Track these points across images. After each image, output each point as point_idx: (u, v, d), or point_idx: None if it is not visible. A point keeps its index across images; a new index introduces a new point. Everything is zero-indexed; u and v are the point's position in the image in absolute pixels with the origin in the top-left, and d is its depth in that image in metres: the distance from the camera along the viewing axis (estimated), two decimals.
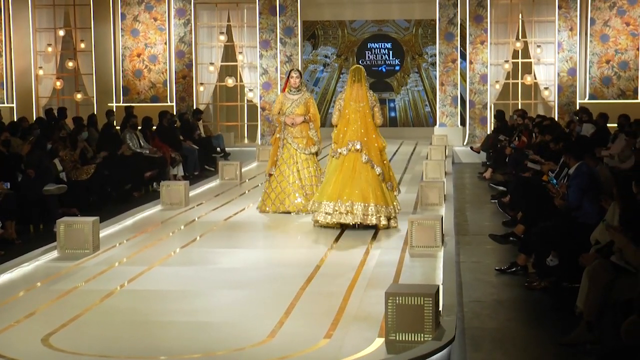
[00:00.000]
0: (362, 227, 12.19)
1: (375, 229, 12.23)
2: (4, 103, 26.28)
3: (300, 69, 26.02)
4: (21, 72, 26.68)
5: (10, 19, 26.57)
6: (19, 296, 9.10)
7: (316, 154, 14.10)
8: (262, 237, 12.42)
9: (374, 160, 12.33)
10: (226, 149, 23.85)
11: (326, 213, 12.24)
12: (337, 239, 11.85)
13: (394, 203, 12.49)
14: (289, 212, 13.60)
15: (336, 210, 12.14)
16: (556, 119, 24.24)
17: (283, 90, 14.18)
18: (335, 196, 12.18)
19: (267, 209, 13.81)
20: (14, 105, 26.52)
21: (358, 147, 12.31)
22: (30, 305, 8.65)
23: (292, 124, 13.79)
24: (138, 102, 25.57)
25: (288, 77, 14.06)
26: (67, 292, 9.18)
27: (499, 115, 22.97)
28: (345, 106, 12.57)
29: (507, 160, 18.95)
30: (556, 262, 9.75)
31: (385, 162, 12.64)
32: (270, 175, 13.94)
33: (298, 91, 13.93)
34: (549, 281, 9.84)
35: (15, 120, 22.11)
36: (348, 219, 12.12)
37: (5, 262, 10.53)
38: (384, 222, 12.16)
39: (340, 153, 12.40)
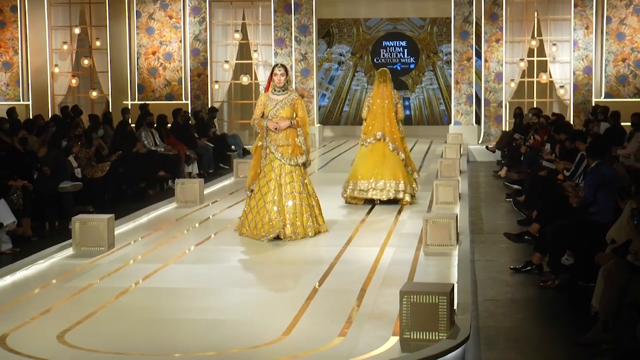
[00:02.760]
0: (390, 202, 14.28)
1: (400, 205, 14.27)
2: (19, 101, 26.35)
3: (315, 66, 26.02)
4: (37, 70, 26.76)
5: (26, 17, 26.65)
6: (34, 293, 9.13)
7: (304, 165, 11.95)
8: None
9: (398, 147, 14.48)
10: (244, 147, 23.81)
11: (360, 190, 14.36)
12: (351, 237, 11.86)
13: (413, 184, 14.64)
14: (262, 238, 11.51)
15: (370, 188, 14.28)
16: (571, 117, 24.21)
17: (266, 89, 12.03)
18: (369, 175, 14.30)
19: (245, 230, 11.86)
20: (30, 102, 26.59)
21: (379, 135, 14.43)
22: (46, 302, 8.68)
23: (276, 129, 11.67)
24: (153, 100, 25.58)
25: (271, 75, 11.91)
26: (82, 289, 9.21)
27: (520, 112, 22.81)
28: (373, 103, 14.61)
29: (522, 158, 18.92)
30: (571, 261, 9.73)
31: (405, 149, 14.80)
32: (251, 191, 11.95)
33: (284, 91, 11.78)
34: (563, 278, 9.81)
35: (30, 117, 22.18)
36: (382, 195, 14.26)
37: (20, 259, 10.57)
38: (407, 198, 14.39)
39: (369, 142, 14.54)
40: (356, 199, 14.47)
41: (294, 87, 25.74)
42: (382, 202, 14.31)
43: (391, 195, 14.28)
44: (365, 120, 14.77)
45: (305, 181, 11.91)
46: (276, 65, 11.95)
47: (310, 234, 11.73)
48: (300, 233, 11.65)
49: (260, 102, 11.92)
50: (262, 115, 11.83)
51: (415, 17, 28.63)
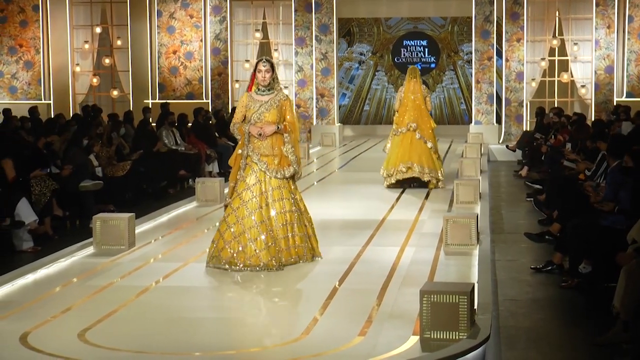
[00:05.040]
0: (417, 186, 15.97)
1: (428, 188, 15.88)
2: (41, 100, 26.48)
3: (335, 65, 25.96)
4: (58, 69, 26.88)
5: (48, 16, 26.78)
6: (55, 291, 9.16)
7: (293, 178, 10.12)
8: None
9: (425, 137, 16.09)
10: None
11: (394, 172, 15.93)
12: (371, 237, 11.84)
13: (441, 170, 16.24)
14: (246, 269, 9.68)
15: (400, 171, 15.87)
16: (593, 117, 24.11)
17: (249, 88, 10.17)
18: (399, 161, 15.94)
19: (216, 258, 9.86)
20: (51, 101, 26.72)
21: (414, 126, 16.05)
22: (67, 300, 8.71)
23: (260, 135, 9.84)
24: (174, 99, 25.68)
25: (254, 71, 10.00)
26: (102, 288, 9.23)
27: (541, 112, 22.74)
28: (405, 97, 16.33)
29: (542, 158, 18.87)
30: (589, 269, 9.67)
31: (434, 138, 16.33)
32: (226, 207, 10.15)
33: (269, 90, 9.93)
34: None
35: (52, 117, 22.28)
36: (408, 175, 15.88)
37: (41, 258, 10.60)
38: (433, 181, 15.96)
39: (401, 132, 16.17)
40: (392, 183, 16.07)
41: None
42: (412, 186, 16.02)
43: (416, 174, 15.88)
44: (397, 112, 16.51)
45: (296, 197, 10.13)
46: (260, 59, 10.05)
47: (306, 258, 10.07)
48: (292, 257, 9.96)
49: (241, 104, 10.06)
50: (244, 120, 10.01)
51: (436, 16, 28.59)
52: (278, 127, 9.87)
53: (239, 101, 10.21)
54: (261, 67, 9.86)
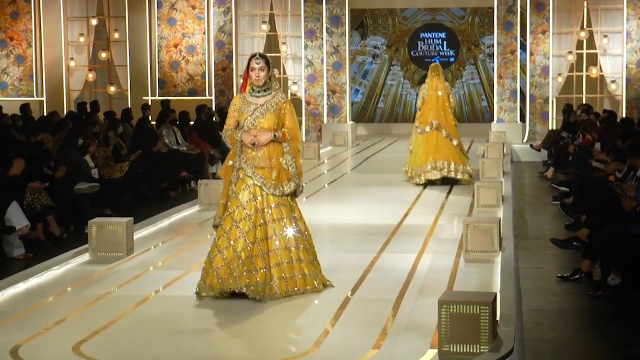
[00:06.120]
0: (446, 182, 16.70)
1: (452, 185, 16.61)
2: (33, 96, 26.53)
3: (348, 60, 25.95)
4: (51, 64, 26.93)
5: (41, 7, 26.84)
6: (48, 301, 9.18)
7: (294, 194, 9.32)
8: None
9: (451, 134, 16.99)
10: None
11: (418, 174, 16.76)
12: (386, 243, 11.84)
13: (468, 166, 17.02)
14: (239, 293, 8.80)
15: (426, 170, 16.67)
16: (624, 114, 24.06)
17: (242, 89, 9.39)
18: (425, 160, 16.73)
19: (206, 288, 8.99)
20: (44, 98, 26.78)
21: (436, 124, 16.88)
22: (61, 311, 8.73)
23: (254, 144, 9.04)
24: (175, 96, 25.72)
25: (247, 69, 9.20)
26: (99, 297, 9.25)
27: (568, 109, 22.70)
28: (428, 94, 17.14)
29: (570, 159, 18.85)
30: (618, 281, 9.66)
31: (458, 135, 17.17)
32: (216, 227, 9.36)
33: (265, 91, 9.13)
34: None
35: (45, 114, 22.33)
36: (437, 175, 16.62)
37: (34, 265, 10.63)
38: (465, 176, 16.81)
39: (424, 130, 16.99)
40: (421, 183, 16.74)
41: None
42: (442, 182, 16.68)
43: (444, 174, 16.65)
44: (420, 109, 17.30)
45: (295, 215, 9.25)
46: (253, 55, 9.19)
47: (316, 285, 9.25)
48: (300, 287, 9.14)
49: (233, 107, 9.26)
50: (237, 126, 9.24)
51: (455, 7, 28.60)
52: (275, 135, 9.06)
53: (230, 104, 9.44)
54: (254, 64, 9.06)
